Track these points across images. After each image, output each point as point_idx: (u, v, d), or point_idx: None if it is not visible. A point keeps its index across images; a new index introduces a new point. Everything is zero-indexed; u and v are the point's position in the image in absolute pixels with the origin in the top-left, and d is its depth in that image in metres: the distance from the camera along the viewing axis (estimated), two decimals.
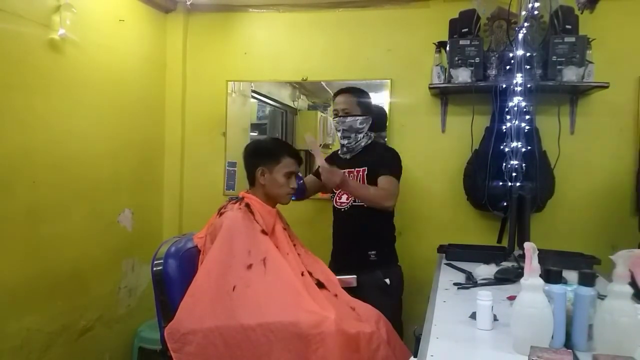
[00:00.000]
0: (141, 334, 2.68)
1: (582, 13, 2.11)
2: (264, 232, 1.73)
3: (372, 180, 2.09)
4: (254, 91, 3.03)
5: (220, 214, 1.77)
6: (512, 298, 1.42)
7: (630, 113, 2.47)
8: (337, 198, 2.22)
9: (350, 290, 1.92)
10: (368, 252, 2.11)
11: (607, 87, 2.32)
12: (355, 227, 2.15)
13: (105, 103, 2.43)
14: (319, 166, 1.98)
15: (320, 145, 3.04)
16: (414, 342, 1.45)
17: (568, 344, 1.11)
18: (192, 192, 2.99)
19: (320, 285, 1.78)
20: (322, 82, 2.92)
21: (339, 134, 2.19)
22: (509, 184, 2.16)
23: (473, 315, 1.31)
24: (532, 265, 1.07)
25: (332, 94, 2.36)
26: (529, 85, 2.15)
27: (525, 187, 2.09)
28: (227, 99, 2.94)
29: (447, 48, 2.44)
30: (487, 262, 1.91)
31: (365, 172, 2.14)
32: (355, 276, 2.01)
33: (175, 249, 1.70)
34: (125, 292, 2.64)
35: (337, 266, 2.10)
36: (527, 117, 2.19)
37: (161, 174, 2.96)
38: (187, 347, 1.53)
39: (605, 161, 2.50)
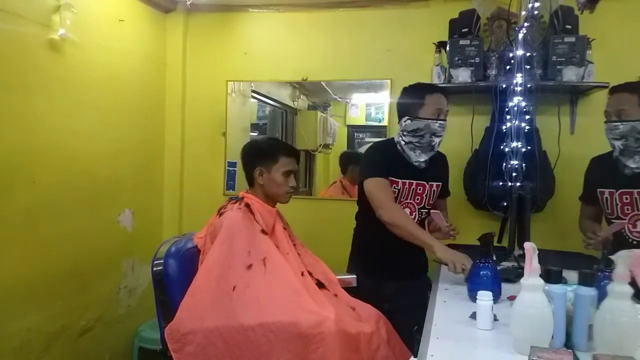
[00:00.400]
0: (141, 334, 2.68)
1: (582, 13, 2.11)
2: (263, 232, 1.73)
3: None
4: (254, 91, 3.03)
5: (220, 214, 1.77)
6: (512, 298, 1.42)
7: None
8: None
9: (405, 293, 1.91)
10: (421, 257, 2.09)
11: (607, 87, 2.30)
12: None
13: (105, 103, 2.43)
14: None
15: (320, 145, 3.05)
16: (414, 342, 1.45)
17: (568, 344, 1.11)
18: (192, 192, 2.99)
19: (320, 285, 1.78)
20: (322, 82, 2.92)
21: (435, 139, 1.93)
22: (509, 184, 2.16)
23: (473, 315, 1.31)
24: (532, 265, 1.07)
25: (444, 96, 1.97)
26: (529, 85, 2.14)
27: (525, 187, 2.09)
28: (227, 99, 2.94)
29: (447, 48, 2.44)
30: None
31: (440, 188, 2.05)
32: (354, 276, 2.00)
33: (176, 249, 1.70)
34: (125, 292, 2.64)
35: (395, 274, 1.98)
36: (527, 117, 2.18)
37: (161, 174, 2.96)
38: (187, 347, 1.53)
39: None
